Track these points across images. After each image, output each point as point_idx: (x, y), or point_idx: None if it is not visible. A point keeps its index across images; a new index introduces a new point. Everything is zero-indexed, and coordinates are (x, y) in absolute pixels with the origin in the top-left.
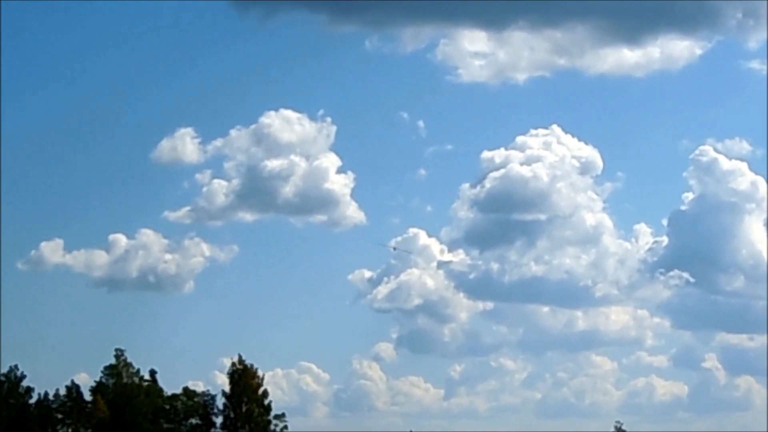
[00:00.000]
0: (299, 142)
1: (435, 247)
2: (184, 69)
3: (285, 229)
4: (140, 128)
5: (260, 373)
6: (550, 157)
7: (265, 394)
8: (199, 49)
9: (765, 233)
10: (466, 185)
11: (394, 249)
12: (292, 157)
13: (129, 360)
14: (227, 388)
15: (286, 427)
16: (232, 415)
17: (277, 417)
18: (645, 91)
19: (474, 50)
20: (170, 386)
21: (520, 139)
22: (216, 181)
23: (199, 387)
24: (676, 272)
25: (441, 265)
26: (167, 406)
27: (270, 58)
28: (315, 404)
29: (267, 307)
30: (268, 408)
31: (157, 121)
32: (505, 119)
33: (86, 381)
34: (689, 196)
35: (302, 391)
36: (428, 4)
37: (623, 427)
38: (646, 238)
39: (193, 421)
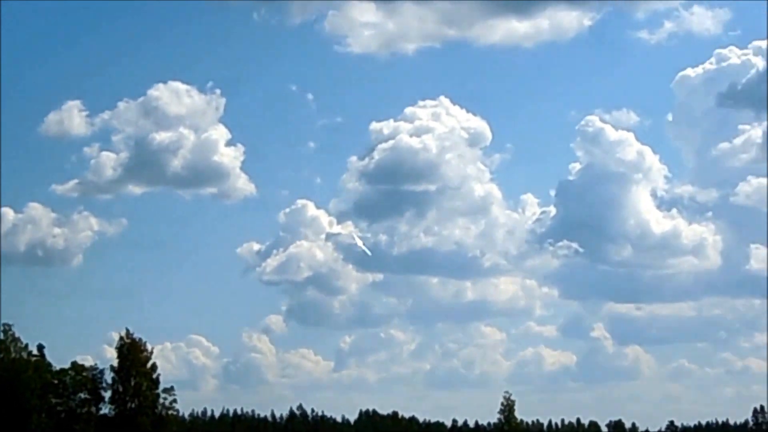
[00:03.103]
0: (188, 115)
1: (324, 218)
2: (70, 41)
3: (174, 202)
4: (27, 102)
5: (149, 346)
6: (439, 129)
7: (154, 367)
8: (86, 21)
9: (652, 203)
10: (355, 157)
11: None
12: (181, 129)
13: (17, 335)
14: (116, 363)
15: (175, 400)
16: (120, 389)
17: (165, 391)
18: (534, 63)
19: (363, 21)
20: (58, 361)
21: (408, 110)
22: (104, 153)
23: (87, 361)
24: (564, 242)
25: (330, 237)
26: (55, 381)
27: (158, 29)
28: (204, 377)
29: (156, 281)
30: (157, 382)
31: (44, 94)
32: (394, 90)
33: None
34: (576, 166)
35: (191, 365)
36: None
37: (512, 397)
38: (534, 208)
39: (82, 395)
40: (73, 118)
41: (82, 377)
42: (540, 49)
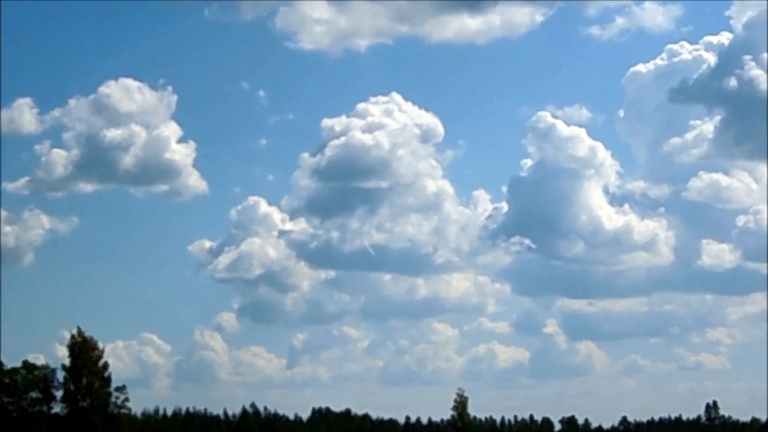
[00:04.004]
0: (139, 112)
1: (276, 215)
2: (20, 38)
3: (125, 199)
4: None
5: (100, 345)
6: (391, 125)
7: (106, 366)
8: (36, 18)
9: (604, 199)
10: (307, 154)
11: None
12: (133, 126)
13: None
14: (67, 361)
15: (127, 399)
16: (72, 388)
17: (117, 389)
18: (486, 59)
19: (315, 17)
20: (10, 360)
21: (361, 106)
22: (55, 151)
23: (39, 360)
24: (516, 238)
25: (282, 234)
26: (7, 380)
27: (109, 26)
28: (157, 376)
29: (107, 279)
30: (109, 380)
31: None
32: (345, 87)
33: None
34: (528, 162)
35: (144, 363)
36: None
37: (465, 394)
38: (486, 204)
39: (33, 394)
40: (23, 115)
41: (34, 376)
42: (492, 45)
